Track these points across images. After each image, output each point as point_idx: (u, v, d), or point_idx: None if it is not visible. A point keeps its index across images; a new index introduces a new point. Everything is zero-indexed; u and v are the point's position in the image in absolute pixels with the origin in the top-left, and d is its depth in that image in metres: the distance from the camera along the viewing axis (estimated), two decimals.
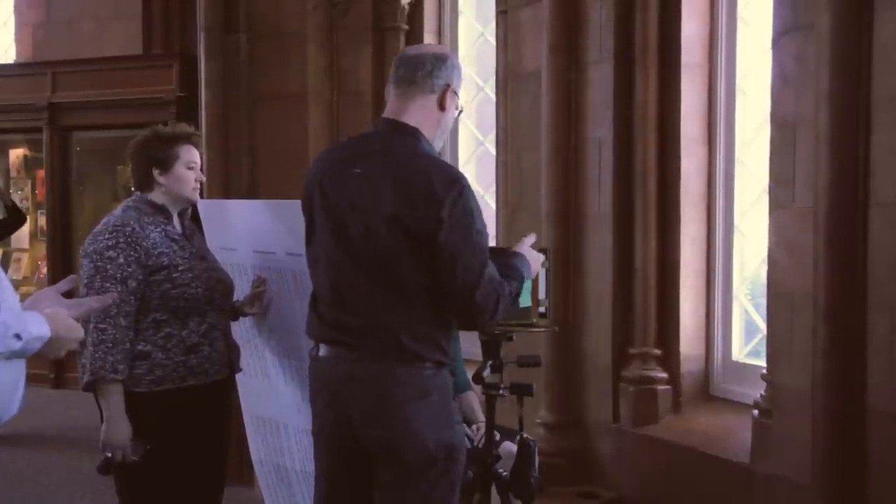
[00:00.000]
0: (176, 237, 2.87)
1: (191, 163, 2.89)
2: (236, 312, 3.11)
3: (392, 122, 2.46)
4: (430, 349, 2.41)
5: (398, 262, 2.36)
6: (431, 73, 2.43)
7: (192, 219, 3.08)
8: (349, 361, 2.44)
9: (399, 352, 2.39)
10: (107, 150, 7.57)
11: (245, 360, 3.17)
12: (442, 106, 2.46)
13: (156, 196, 2.88)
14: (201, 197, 3.04)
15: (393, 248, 2.36)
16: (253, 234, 3.18)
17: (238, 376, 3.13)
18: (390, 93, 2.48)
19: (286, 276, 3.04)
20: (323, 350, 2.51)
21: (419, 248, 2.33)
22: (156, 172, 2.86)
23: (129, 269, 2.74)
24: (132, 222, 2.80)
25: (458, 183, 2.35)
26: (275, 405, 3.35)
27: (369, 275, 2.40)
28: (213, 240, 3.22)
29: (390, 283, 2.38)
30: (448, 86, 2.45)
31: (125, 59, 7.47)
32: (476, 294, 2.34)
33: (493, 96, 4.82)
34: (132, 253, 2.75)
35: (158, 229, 2.84)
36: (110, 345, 2.69)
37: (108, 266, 2.73)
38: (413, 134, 2.43)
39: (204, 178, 3.03)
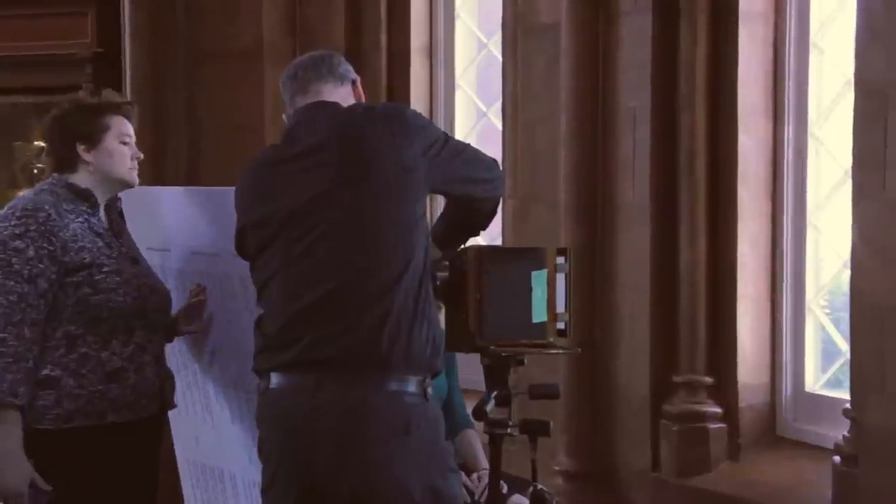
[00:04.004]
0: (101, 231, 2.89)
1: (124, 136, 2.93)
2: (170, 332, 3.10)
3: (310, 104, 2.74)
4: (422, 351, 2.49)
5: (382, 218, 2.54)
6: (334, 67, 2.81)
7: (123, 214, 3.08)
8: (311, 390, 2.48)
9: (381, 363, 2.44)
10: (1, 120, 7.55)
11: (181, 393, 3.17)
12: (357, 98, 2.83)
13: (80, 178, 2.91)
14: None
15: (375, 205, 2.55)
16: (191, 231, 3.20)
17: (171, 413, 3.14)
18: (296, 102, 2.77)
19: (233, 282, 3.04)
20: (275, 380, 2.54)
21: (405, 189, 2.60)
22: (81, 149, 2.89)
23: (41, 266, 2.75)
24: (48, 207, 2.80)
25: (400, 111, 2.85)
26: (219, 450, 3.37)
27: (342, 266, 2.51)
28: (140, 238, 3.20)
29: (371, 261, 2.50)
30: (355, 80, 2.84)
31: (24, 5, 7.45)
32: (497, 187, 2.89)
33: (498, 56, 4.83)
34: (45, 245, 2.76)
35: (80, 219, 2.85)
36: (10, 360, 2.70)
37: (14, 259, 2.74)
38: (334, 105, 2.73)
39: (142, 156, 3.04)
